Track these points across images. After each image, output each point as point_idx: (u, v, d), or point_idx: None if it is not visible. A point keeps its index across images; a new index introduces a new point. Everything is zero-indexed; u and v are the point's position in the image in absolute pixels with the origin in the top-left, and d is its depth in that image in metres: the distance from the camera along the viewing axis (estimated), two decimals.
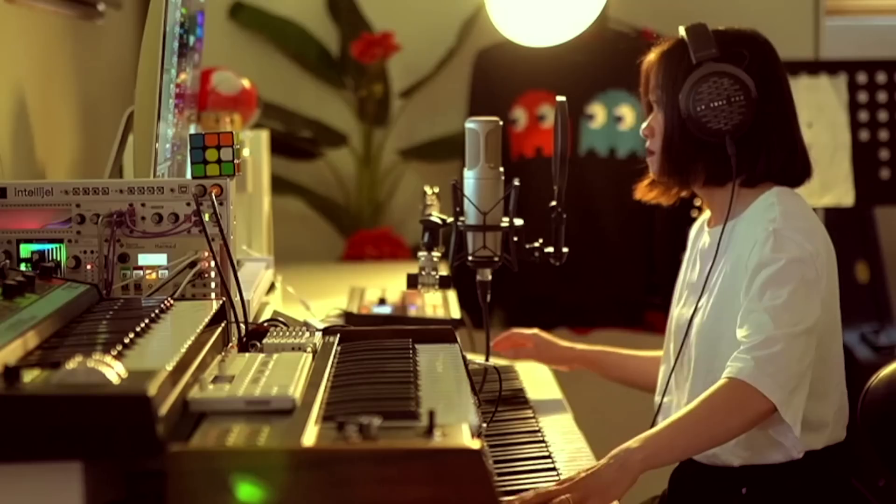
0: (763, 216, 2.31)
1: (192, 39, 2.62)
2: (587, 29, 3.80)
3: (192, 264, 2.11)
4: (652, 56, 2.41)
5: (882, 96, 3.77)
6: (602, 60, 3.93)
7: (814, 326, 2.23)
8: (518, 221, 2.45)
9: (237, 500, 1.45)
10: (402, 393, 1.73)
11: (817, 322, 2.24)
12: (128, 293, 2.10)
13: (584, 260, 3.78)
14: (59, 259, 2.10)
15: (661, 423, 2.19)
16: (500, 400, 2.40)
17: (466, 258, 2.45)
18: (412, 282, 2.48)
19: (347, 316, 2.77)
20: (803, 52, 4.07)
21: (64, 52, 3.05)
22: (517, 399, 2.61)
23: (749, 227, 2.33)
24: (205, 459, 1.46)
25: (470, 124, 2.43)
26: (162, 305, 1.92)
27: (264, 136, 3.18)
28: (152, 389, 1.43)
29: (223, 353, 1.88)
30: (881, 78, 3.78)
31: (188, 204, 2.11)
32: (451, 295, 2.99)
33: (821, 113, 3.68)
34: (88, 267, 2.11)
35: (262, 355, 1.86)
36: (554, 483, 2.06)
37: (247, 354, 1.89)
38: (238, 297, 2.10)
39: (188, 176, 2.21)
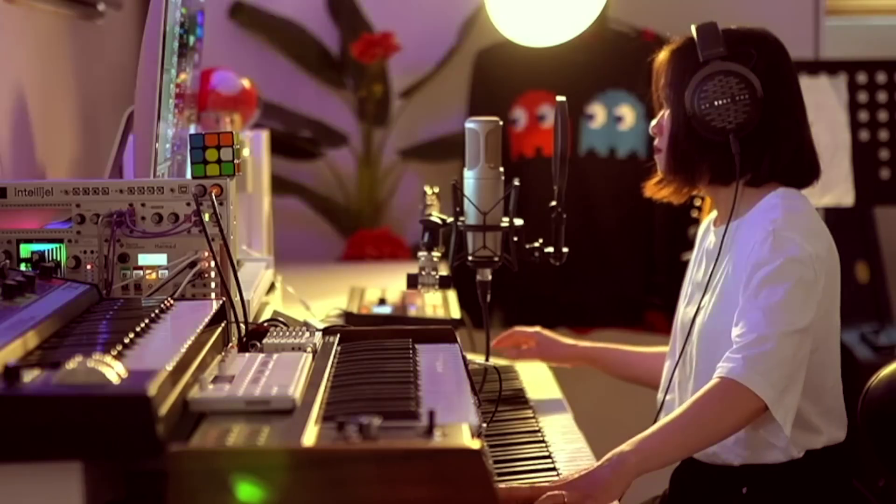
0: (765, 216, 2.31)
1: (192, 39, 2.62)
2: (587, 29, 3.80)
3: (192, 264, 2.11)
4: (662, 54, 2.41)
5: (882, 96, 3.77)
6: (602, 60, 3.93)
7: (808, 327, 2.23)
8: (518, 221, 2.45)
9: (237, 500, 1.45)
10: (402, 393, 1.73)
11: (813, 323, 2.24)
12: (128, 293, 2.10)
13: (584, 260, 3.78)
14: (59, 259, 2.10)
15: (655, 426, 2.19)
16: (500, 400, 2.40)
17: (466, 258, 2.45)
18: (412, 282, 2.48)
19: (347, 316, 2.77)
20: (803, 52, 4.07)
21: (64, 52, 3.05)
22: (517, 399, 2.61)
23: (751, 227, 2.33)
24: (205, 459, 1.46)
25: (470, 124, 2.43)
26: (162, 305, 1.92)
27: (264, 136, 3.18)
28: (152, 389, 1.43)
29: (223, 353, 1.88)
30: (881, 78, 3.78)
31: (188, 204, 2.11)
32: (451, 295, 2.99)
33: (821, 113, 3.68)
34: (88, 267, 2.11)
35: (262, 355, 1.86)
36: (550, 483, 2.06)
37: (247, 354, 1.89)
38: (238, 297, 2.10)
39: (188, 176, 2.21)
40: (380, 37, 3.92)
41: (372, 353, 2.00)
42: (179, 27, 2.45)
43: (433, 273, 2.47)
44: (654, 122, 2.44)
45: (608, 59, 3.93)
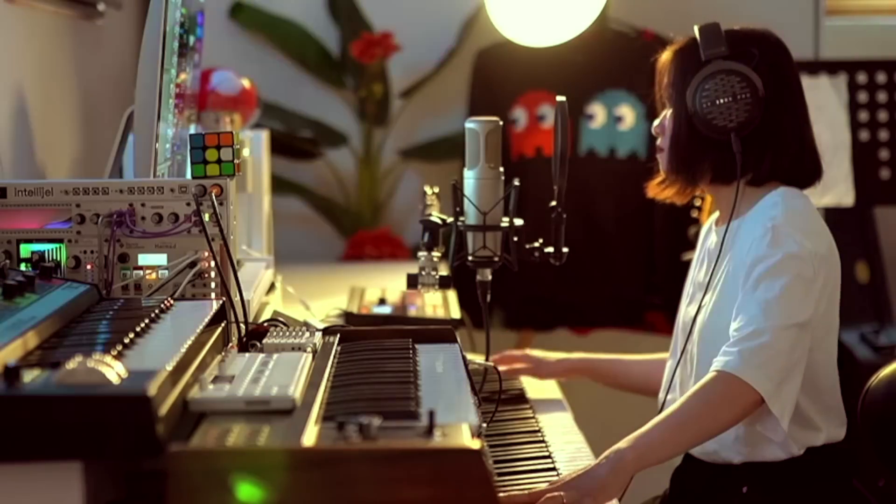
0: (766, 213, 2.32)
1: (192, 39, 2.62)
2: (587, 29, 3.80)
3: (192, 264, 2.11)
4: (665, 55, 2.42)
5: (882, 96, 3.77)
6: (602, 60, 3.93)
7: (806, 323, 2.23)
8: (518, 221, 2.45)
9: (237, 500, 1.45)
10: (402, 393, 1.73)
11: (811, 319, 2.24)
12: (128, 293, 2.10)
13: (584, 260, 3.78)
14: (59, 259, 2.10)
15: (652, 422, 2.19)
16: (500, 400, 2.40)
17: (466, 258, 2.45)
18: (412, 282, 2.48)
19: (347, 316, 2.77)
20: (803, 52, 4.07)
21: (64, 52, 3.05)
22: (517, 399, 2.61)
23: (752, 224, 2.33)
24: (205, 459, 1.46)
25: (470, 124, 2.43)
26: (162, 305, 1.92)
27: (264, 136, 3.18)
28: (152, 389, 1.43)
29: (223, 353, 1.88)
30: (881, 78, 3.78)
31: (188, 204, 2.11)
32: (451, 295, 2.99)
33: (821, 113, 3.68)
34: (88, 267, 2.11)
35: (262, 355, 1.86)
36: (549, 484, 2.06)
37: (247, 354, 1.89)
38: (238, 297, 2.10)
39: (188, 176, 2.21)
40: (380, 37, 3.92)
41: (372, 353, 2.00)
42: (179, 27, 2.45)
43: (433, 273, 2.47)
44: (656, 122, 2.44)
45: (608, 59, 3.93)
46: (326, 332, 2.11)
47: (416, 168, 4.08)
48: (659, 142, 2.43)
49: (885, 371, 2.39)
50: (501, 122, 2.44)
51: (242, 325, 2.05)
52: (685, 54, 2.39)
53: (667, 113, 2.41)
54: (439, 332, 2.16)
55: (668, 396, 2.45)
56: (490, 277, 2.46)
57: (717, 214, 2.47)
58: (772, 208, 2.33)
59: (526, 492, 2.03)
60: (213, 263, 2.10)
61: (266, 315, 2.43)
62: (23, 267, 2.08)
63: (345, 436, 1.51)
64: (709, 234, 2.49)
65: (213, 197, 2.10)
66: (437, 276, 2.47)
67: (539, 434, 2.38)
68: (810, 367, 2.27)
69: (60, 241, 2.12)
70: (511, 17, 3.80)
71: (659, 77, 2.43)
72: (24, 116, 2.66)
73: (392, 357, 1.97)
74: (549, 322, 4.02)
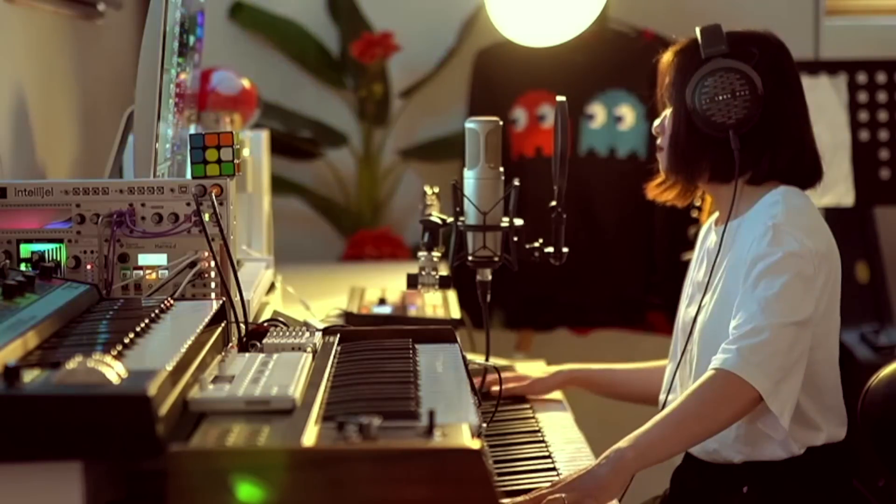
0: (766, 213, 2.32)
1: (192, 39, 2.62)
2: (587, 29, 3.80)
3: (192, 264, 2.11)
4: (666, 55, 2.43)
5: (882, 96, 3.77)
6: (602, 60, 3.93)
7: (806, 321, 2.23)
8: (518, 221, 2.45)
9: (237, 500, 1.45)
10: (402, 393, 1.73)
11: (811, 318, 2.24)
12: (128, 293, 2.10)
13: (584, 260, 3.77)
14: (59, 259, 2.10)
15: (652, 420, 2.19)
16: (500, 400, 2.40)
17: (466, 258, 2.45)
18: (412, 282, 2.48)
19: (347, 316, 2.77)
20: (803, 52, 4.07)
21: (64, 52, 3.05)
22: (517, 399, 2.61)
23: (752, 223, 2.33)
24: (205, 459, 1.46)
25: (470, 124, 2.43)
26: (162, 305, 1.92)
27: (264, 136, 3.18)
28: (152, 389, 1.43)
29: (223, 353, 1.88)
30: (881, 78, 3.78)
31: (188, 204, 2.11)
32: (451, 295, 2.99)
33: (821, 113, 3.68)
34: (88, 267, 2.11)
35: (262, 355, 1.86)
36: (550, 484, 2.06)
37: (247, 354, 1.89)
38: (238, 297, 2.10)
39: (188, 176, 2.21)
40: (380, 37, 3.92)
41: (372, 353, 2.00)
42: (179, 27, 2.45)
43: (433, 273, 2.47)
44: (656, 122, 2.44)
45: (608, 59, 3.93)
46: (326, 332, 2.11)
47: (416, 168, 4.08)
48: (659, 141, 2.44)
49: (885, 371, 2.39)
50: (501, 122, 2.44)
51: (242, 325, 2.05)
52: (686, 54, 2.39)
53: (667, 113, 2.42)
54: (439, 332, 2.16)
55: (669, 397, 2.45)
56: (490, 277, 2.46)
57: (716, 214, 2.47)
58: (772, 207, 2.33)
59: (527, 497, 2.02)
60: (213, 263, 2.10)
61: (266, 315, 2.43)
62: (23, 267, 2.08)
63: (345, 436, 1.51)
64: (708, 234, 2.49)
65: (213, 197, 2.10)
66: (437, 276, 2.47)
67: (539, 434, 2.38)
68: (811, 367, 2.27)
69: (60, 241, 2.12)
70: (511, 17, 3.80)
71: (660, 78, 2.43)
72: (24, 116, 2.66)
73: (392, 357, 1.97)
74: (549, 322, 4.02)
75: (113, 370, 1.46)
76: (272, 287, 2.73)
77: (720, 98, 2.32)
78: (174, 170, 2.49)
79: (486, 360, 2.49)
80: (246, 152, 2.98)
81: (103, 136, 3.13)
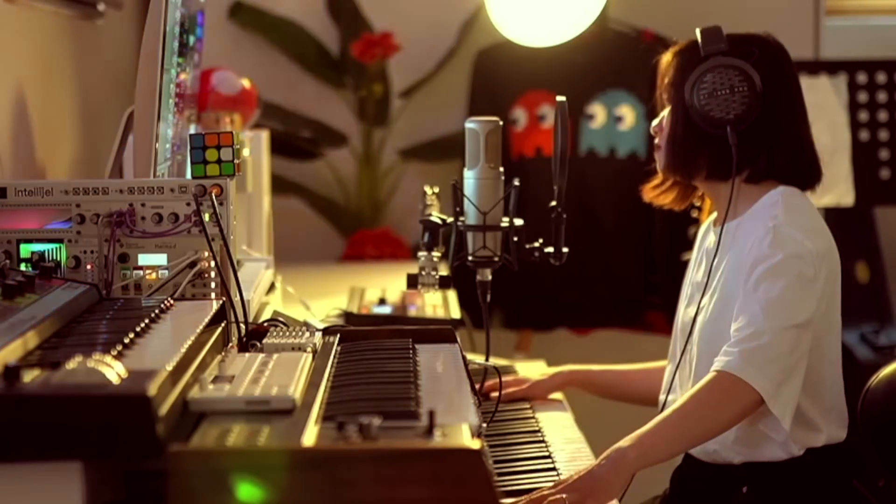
0: (766, 213, 2.32)
1: (192, 39, 2.62)
2: (587, 29, 3.80)
3: (192, 264, 2.11)
4: (666, 56, 2.43)
5: (882, 96, 3.77)
6: (602, 60, 3.93)
7: (807, 323, 2.23)
8: (518, 221, 2.45)
9: (237, 500, 1.45)
10: (402, 393, 1.73)
11: (812, 319, 2.24)
12: (128, 293, 2.10)
13: (584, 260, 3.78)
14: (59, 259, 2.10)
15: (653, 420, 2.19)
16: (500, 400, 2.40)
17: (466, 258, 2.45)
18: (412, 282, 2.48)
19: (347, 316, 2.77)
20: (803, 52, 4.07)
21: (64, 52, 3.05)
22: (517, 399, 2.61)
23: (752, 224, 2.33)
24: (205, 459, 1.46)
25: (470, 124, 2.43)
26: (162, 305, 1.92)
27: (264, 136, 3.18)
28: (152, 389, 1.43)
29: (223, 353, 1.88)
30: (881, 78, 3.78)
31: (188, 204, 2.11)
32: (451, 295, 2.98)
33: (821, 113, 3.68)
34: (88, 267, 2.11)
35: (262, 355, 1.86)
36: (551, 485, 2.06)
37: (247, 354, 1.89)
38: (238, 297, 2.10)
39: (188, 176, 2.21)
40: (380, 37, 3.92)
41: (372, 353, 2.00)
42: (179, 27, 2.45)
43: (433, 273, 2.47)
44: (655, 122, 2.45)
45: (608, 59, 3.93)
46: (326, 332, 2.11)
47: (416, 168, 4.08)
48: (657, 141, 2.44)
49: (885, 371, 2.39)
50: (501, 122, 2.44)
51: (242, 325, 2.05)
52: (686, 54, 2.40)
53: (665, 112, 2.42)
54: (439, 332, 2.16)
55: (669, 398, 2.45)
56: (490, 277, 2.45)
57: (715, 214, 2.47)
58: (772, 207, 2.33)
59: (527, 497, 2.02)
60: (213, 263, 2.10)
61: (266, 315, 2.43)
62: (23, 267, 2.08)
63: (345, 436, 1.51)
64: (707, 235, 2.49)
65: (213, 197, 2.10)
66: (437, 276, 2.47)
67: (539, 434, 2.38)
68: (811, 368, 2.27)
69: (60, 241, 2.12)
70: (511, 17, 3.80)
71: (660, 79, 2.44)
72: (24, 116, 2.66)
73: (392, 357, 1.97)
74: (549, 322, 4.02)
75: (113, 370, 1.46)
76: (272, 287, 2.73)
77: (719, 94, 2.32)
78: (174, 170, 2.49)
79: (486, 360, 2.49)
80: (246, 152, 2.98)
81: (103, 136, 3.13)
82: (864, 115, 3.76)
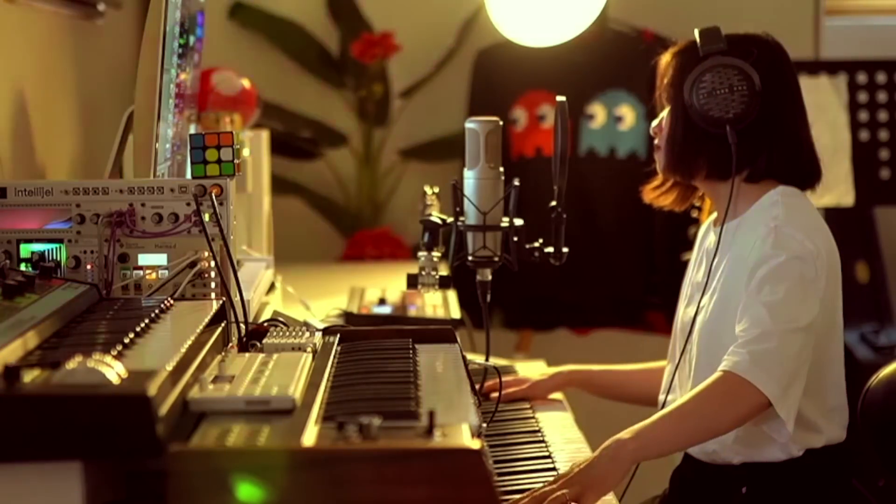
0: (766, 213, 2.32)
1: (192, 39, 2.62)
2: (587, 29, 3.80)
3: (192, 264, 2.11)
4: (665, 56, 2.43)
5: (882, 96, 3.77)
6: (602, 60, 3.93)
7: (811, 325, 2.23)
8: (518, 221, 2.45)
9: (237, 500, 1.45)
10: (402, 393, 1.73)
11: (815, 321, 2.24)
12: (128, 293, 2.10)
13: (584, 260, 3.78)
14: (59, 259, 2.10)
15: (655, 415, 2.19)
16: (500, 400, 2.40)
17: (466, 258, 2.45)
18: (412, 282, 2.48)
19: (347, 316, 2.77)
20: (803, 52, 4.07)
21: (64, 52, 3.05)
22: (517, 399, 2.61)
23: (752, 224, 2.33)
24: (205, 459, 1.46)
25: (470, 124, 2.43)
26: (162, 305, 1.92)
27: (264, 136, 3.18)
28: (152, 389, 1.43)
29: (223, 353, 1.88)
30: (881, 78, 3.78)
31: (188, 204, 2.11)
32: (451, 295, 2.98)
33: (821, 113, 3.68)
34: (88, 267, 2.11)
35: (262, 355, 1.86)
36: (552, 479, 2.07)
37: (247, 354, 1.89)
38: (238, 297, 2.10)
39: (188, 176, 2.21)
40: (380, 37, 3.92)
41: (372, 353, 2.00)
42: (179, 27, 2.45)
43: (433, 273, 2.47)
44: (654, 123, 2.45)
45: (608, 59, 3.93)
46: (326, 332, 2.11)
47: (416, 168, 4.08)
48: (657, 141, 2.44)
49: (885, 371, 2.39)
50: (501, 122, 2.44)
51: (242, 325, 2.05)
52: (685, 55, 2.40)
53: (665, 113, 2.42)
54: (439, 332, 2.16)
55: (668, 397, 2.45)
56: (490, 277, 2.46)
57: (715, 215, 2.47)
58: (772, 207, 2.33)
59: (526, 495, 2.02)
60: (213, 263, 2.10)
61: (266, 315, 2.43)
62: (23, 267, 2.08)
63: (345, 436, 1.51)
64: (707, 234, 2.49)
65: (213, 197, 2.10)
66: (437, 276, 2.47)
67: (539, 434, 2.38)
68: (814, 367, 2.27)
69: (60, 241, 2.12)
70: (511, 17, 3.80)
71: (659, 79, 2.44)
72: (24, 116, 2.66)
73: (392, 357, 1.97)
74: (549, 322, 4.02)
75: (113, 370, 1.46)
76: (272, 287, 2.73)
77: (718, 93, 2.32)
78: (174, 170, 2.49)
79: (486, 360, 2.49)
80: (246, 152, 2.98)
81: (103, 136, 3.13)
82: (864, 115, 3.76)
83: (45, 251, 2.10)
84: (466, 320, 2.97)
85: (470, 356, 2.34)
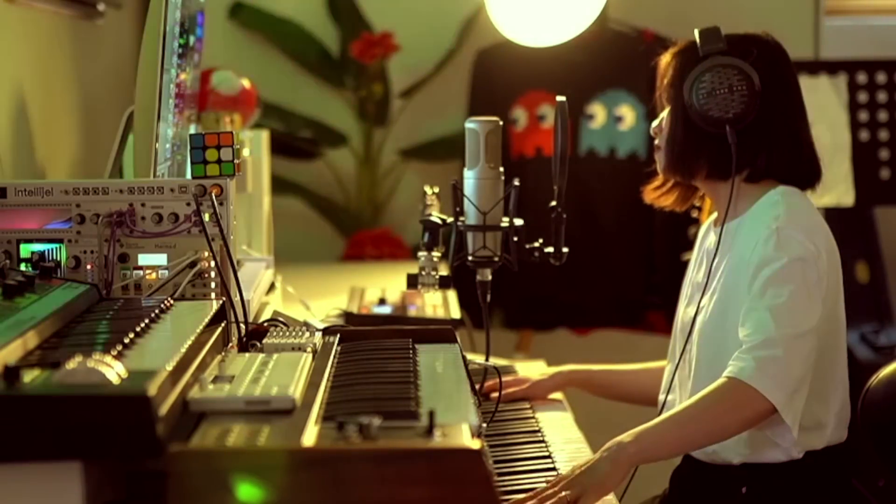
0: (766, 214, 2.32)
1: (192, 39, 2.62)
2: (587, 29, 3.80)
3: (192, 264, 2.11)
4: (665, 57, 2.43)
5: (882, 96, 3.77)
6: (602, 60, 3.93)
7: (815, 328, 2.23)
8: (518, 221, 2.45)
9: (237, 500, 1.45)
10: (402, 393, 1.73)
11: (818, 323, 2.24)
12: (128, 293, 2.10)
13: (584, 260, 3.78)
14: (59, 259, 2.10)
15: (657, 418, 2.19)
16: (500, 400, 2.40)
17: (466, 258, 2.45)
18: (412, 282, 2.48)
19: (347, 316, 2.77)
20: (803, 52, 4.07)
21: (64, 52, 3.05)
22: (517, 399, 2.61)
23: (752, 225, 2.33)
24: (205, 459, 1.46)
25: (470, 124, 2.43)
26: (162, 305, 1.92)
27: (264, 136, 3.18)
28: (152, 389, 1.43)
29: (223, 353, 1.88)
30: (881, 78, 3.78)
31: (188, 204, 2.11)
32: (451, 295, 2.98)
33: (821, 113, 3.68)
34: (88, 267, 2.11)
35: (262, 355, 1.86)
36: (552, 480, 2.07)
37: (247, 354, 1.90)
38: (238, 297, 2.10)
39: (188, 176, 2.21)
40: (380, 37, 3.92)
41: (372, 353, 2.00)
42: (179, 27, 2.45)
43: (433, 273, 2.47)
44: (655, 123, 2.45)
45: (608, 59, 3.93)
46: (326, 332, 2.11)
47: (416, 168, 4.08)
48: (657, 142, 2.44)
49: (885, 371, 2.39)
50: (501, 122, 2.44)
51: (242, 325, 2.05)
52: (684, 55, 2.40)
53: (665, 113, 2.42)
54: (439, 332, 2.16)
55: (668, 398, 2.45)
56: (490, 277, 2.46)
57: (715, 215, 2.47)
58: (772, 208, 2.33)
59: (526, 496, 2.02)
60: (213, 263, 2.10)
61: (266, 315, 2.43)
62: (23, 267, 2.08)
63: (345, 436, 1.51)
64: (707, 235, 2.49)
65: (213, 197, 2.10)
66: (437, 276, 2.47)
67: (539, 434, 2.38)
68: (817, 368, 2.26)
69: (60, 241, 2.12)
70: (511, 17, 3.80)
71: (659, 80, 2.44)
72: (24, 116, 2.66)
73: (392, 357, 1.97)
74: (549, 322, 4.02)
75: (113, 370, 1.46)
76: (272, 287, 2.73)
77: (717, 93, 2.33)
78: (174, 170, 2.49)
79: (486, 360, 2.49)
80: (246, 152, 2.98)
81: (103, 136, 3.13)
82: (864, 115, 3.76)
83: (45, 251, 2.10)
84: (466, 320, 2.97)
85: (470, 356, 2.34)
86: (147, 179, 2.24)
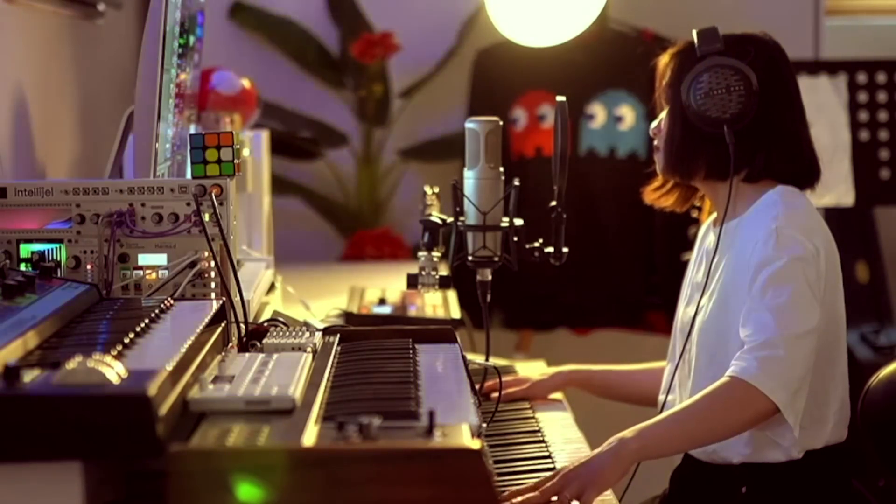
0: (766, 214, 2.32)
1: (192, 39, 2.62)
2: (587, 29, 3.80)
3: (192, 264, 2.11)
4: (664, 57, 2.43)
5: (882, 96, 3.77)
6: (602, 60, 3.93)
7: (816, 328, 2.23)
8: (518, 221, 2.45)
9: (237, 500, 1.45)
10: (402, 393, 1.73)
11: (819, 323, 2.24)
12: (128, 293, 2.11)
13: (584, 260, 3.77)
14: (59, 259, 2.10)
15: (660, 416, 2.19)
16: (500, 400, 2.40)
17: (466, 258, 2.45)
18: (412, 282, 2.48)
19: (347, 316, 2.77)
20: (803, 52, 4.07)
21: (64, 52, 3.05)
22: (517, 399, 2.61)
23: (752, 224, 2.33)
24: (205, 459, 1.46)
25: (470, 124, 2.43)
26: (162, 305, 1.92)
27: (264, 136, 3.18)
28: (152, 389, 1.43)
29: (223, 353, 1.88)
30: (881, 78, 3.78)
31: (188, 204, 2.11)
32: (451, 295, 2.98)
33: (821, 113, 3.68)
34: (88, 267, 2.11)
35: (262, 355, 1.86)
36: (551, 473, 2.07)
37: (247, 354, 1.89)
38: (238, 297, 2.10)
39: (188, 176, 2.21)
40: (380, 37, 3.92)
41: (372, 353, 2.00)
42: (179, 27, 2.45)
43: (433, 273, 2.47)
44: (654, 124, 2.45)
45: (608, 59, 3.93)
46: (326, 332, 2.11)
47: (416, 168, 4.08)
48: (656, 142, 2.44)
49: (885, 371, 2.39)
50: (501, 122, 2.44)
51: (242, 325, 2.05)
52: (683, 55, 2.40)
53: (664, 114, 2.42)
54: (439, 332, 2.16)
55: (668, 398, 2.45)
56: (490, 277, 2.46)
57: (715, 215, 2.48)
58: (771, 208, 2.33)
59: (526, 487, 2.03)
60: (213, 263, 2.10)
61: (266, 315, 2.43)
62: (23, 267, 2.08)
63: (345, 436, 1.51)
64: (707, 235, 2.49)
65: (213, 197, 2.10)
66: (437, 276, 2.47)
67: (539, 434, 2.38)
68: (818, 368, 2.27)
69: (60, 241, 2.12)
70: (511, 17, 3.80)
71: (658, 81, 2.44)
72: (24, 116, 2.66)
73: (392, 357, 1.97)
74: (549, 322, 4.02)
75: (113, 370, 1.46)
76: (272, 287, 2.73)
77: (715, 93, 2.33)
78: (174, 170, 2.49)
79: (486, 360, 2.49)
80: (246, 152, 2.98)
81: (103, 136, 3.13)
82: (864, 115, 3.76)
83: (45, 251, 2.10)
84: (466, 320, 2.97)
85: (470, 356, 2.34)
86: (147, 179, 2.24)
